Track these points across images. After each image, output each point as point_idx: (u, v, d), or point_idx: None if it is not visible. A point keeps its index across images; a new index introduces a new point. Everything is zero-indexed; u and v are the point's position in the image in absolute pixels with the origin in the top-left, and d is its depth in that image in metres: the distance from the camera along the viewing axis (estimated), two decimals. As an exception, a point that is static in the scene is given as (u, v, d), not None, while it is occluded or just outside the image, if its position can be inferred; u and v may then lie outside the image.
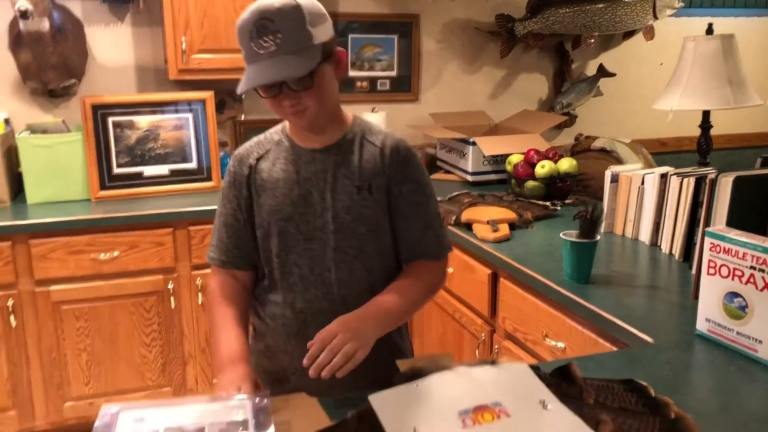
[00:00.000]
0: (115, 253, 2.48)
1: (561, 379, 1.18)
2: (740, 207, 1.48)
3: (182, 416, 1.04)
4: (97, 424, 1.02)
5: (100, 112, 2.66)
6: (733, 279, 1.31)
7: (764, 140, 4.02)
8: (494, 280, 2.05)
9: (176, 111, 2.76)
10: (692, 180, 1.83)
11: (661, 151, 3.75)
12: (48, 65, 2.67)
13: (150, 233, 2.52)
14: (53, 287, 2.47)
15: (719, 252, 1.33)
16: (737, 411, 1.14)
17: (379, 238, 1.40)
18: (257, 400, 1.09)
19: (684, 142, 3.80)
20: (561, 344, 1.70)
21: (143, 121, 2.72)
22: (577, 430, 1.04)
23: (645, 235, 2.05)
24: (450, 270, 2.27)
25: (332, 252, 1.37)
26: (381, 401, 1.09)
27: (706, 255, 1.36)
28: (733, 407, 1.15)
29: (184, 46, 2.69)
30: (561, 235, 1.73)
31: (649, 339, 1.39)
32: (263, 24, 1.24)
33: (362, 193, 1.37)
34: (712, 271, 1.35)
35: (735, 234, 1.32)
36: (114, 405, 1.08)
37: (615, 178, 2.14)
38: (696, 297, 1.58)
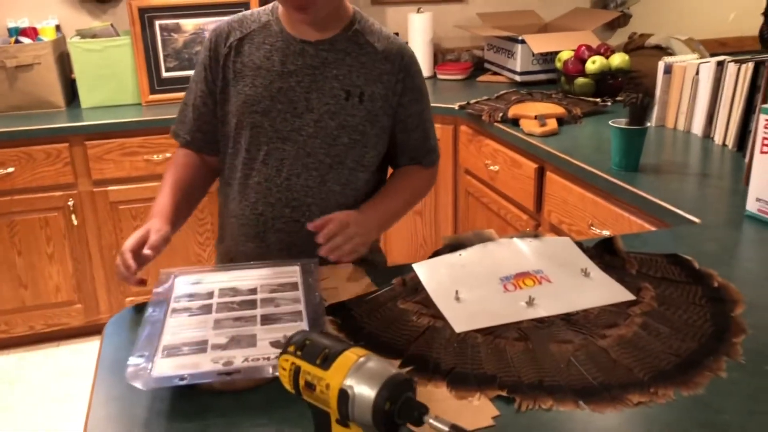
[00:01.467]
0: (168, 154, 2.54)
1: (604, 251, 1.19)
2: (799, 85, 1.42)
3: (236, 279, 1.09)
4: (156, 287, 1.07)
5: (147, 15, 2.67)
6: (787, 155, 1.28)
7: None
8: (540, 174, 2.04)
9: (221, 14, 2.75)
10: (751, 65, 1.76)
11: (720, 52, 3.58)
12: (94, -31, 2.68)
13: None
14: (111, 187, 2.56)
15: (774, 128, 1.29)
16: (783, 282, 1.13)
17: (360, 151, 1.30)
18: (306, 265, 1.13)
19: (746, 42, 3.61)
20: (606, 232, 1.70)
21: (189, 24, 2.72)
22: (618, 294, 1.06)
23: (698, 127, 2.00)
24: (495, 167, 2.27)
25: (306, 157, 1.27)
26: (425, 268, 1.13)
27: (761, 133, 1.33)
28: (780, 278, 1.14)
29: (226, -55, 2.66)
30: (610, 122, 1.70)
31: (696, 219, 1.38)
32: None
33: (351, 99, 1.26)
34: (766, 149, 1.32)
35: (792, 108, 1.27)
36: (171, 270, 1.13)
37: (668, 69, 2.07)
38: (748, 182, 1.55)
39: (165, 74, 2.73)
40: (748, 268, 1.18)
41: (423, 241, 2.72)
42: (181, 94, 2.87)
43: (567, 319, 1.00)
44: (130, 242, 1.12)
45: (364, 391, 0.50)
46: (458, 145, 2.54)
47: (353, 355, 0.53)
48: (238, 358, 0.86)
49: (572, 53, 2.55)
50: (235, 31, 1.30)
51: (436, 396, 0.84)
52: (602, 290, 1.07)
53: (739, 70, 1.80)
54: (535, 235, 1.20)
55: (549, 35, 2.80)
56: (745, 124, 1.78)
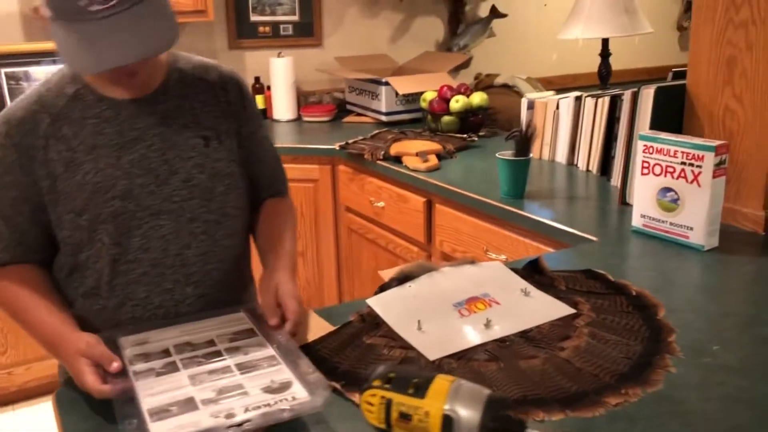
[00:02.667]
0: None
1: (533, 272, 1.29)
2: (661, 115, 1.64)
3: (185, 333, 1.04)
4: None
5: (-9, 64, 2.46)
6: (665, 176, 1.46)
7: (650, 74, 4.35)
8: (429, 207, 2.14)
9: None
10: (607, 99, 1.99)
11: (549, 87, 3.98)
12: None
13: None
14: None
15: (652, 153, 1.48)
16: (680, 284, 1.29)
17: (236, 193, 1.20)
18: (251, 311, 1.11)
19: (567, 79, 4.06)
20: (503, 256, 1.82)
21: (41, 72, 2.55)
22: (560, 309, 1.15)
23: (561, 156, 2.21)
24: (381, 204, 2.34)
25: (189, 223, 1.13)
26: (380, 303, 1.15)
27: (639, 157, 1.51)
28: (677, 281, 1.30)
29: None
30: (497, 155, 1.83)
31: (593, 238, 1.53)
32: None
33: (211, 143, 1.15)
34: (645, 171, 1.50)
35: (665, 135, 1.47)
36: (110, 332, 1.05)
37: (531, 105, 2.27)
38: (622, 202, 1.75)
39: (14, 126, 2.52)
40: (651, 276, 1.33)
41: (306, 282, 2.72)
42: None
43: (524, 336, 1.07)
44: (91, 380, 0.91)
45: (469, 414, 0.52)
46: (337, 183, 2.59)
47: (444, 381, 0.55)
48: (238, 408, 0.83)
49: (435, 93, 2.72)
50: (40, 115, 1.07)
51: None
52: (545, 307, 1.16)
53: (596, 103, 2.03)
54: (472, 261, 1.27)
55: (410, 77, 2.96)
56: (607, 150, 2.00)
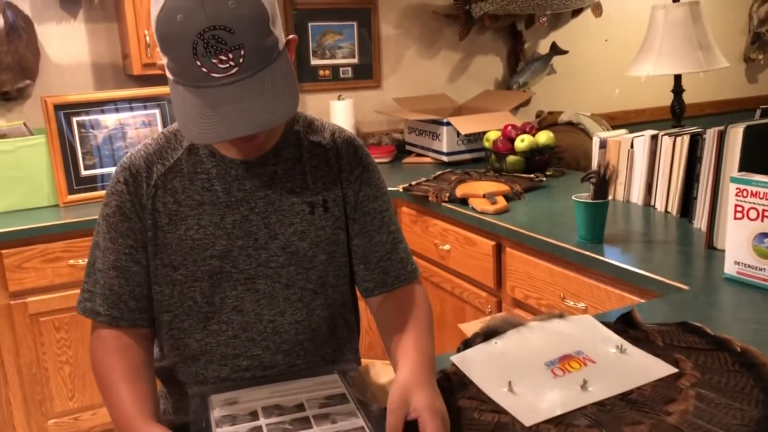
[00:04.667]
0: (95, 258, 2.36)
1: (626, 326, 1.21)
2: (750, 155, 1.55)
3: (275, 394, 1.00)
4: (192, 415, 0.96)
5: (63, 113, 2.52)
6: (762, 220, 1.37)
7: (717, 108, 4.21)
8: (498, 251, 2.07)
9: (144, 107, 2.65)
10: (686, 138, 1.90)
11: (612, 124, 3.90)
12: (2, 66, 2.52)
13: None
14: (30, 298, 2.33)
15: (746, 196, 1.39)
16: (791, 340, 1.19)
17: (340, 263, 1.14)
18: (344, 373, 1.06)
19: (630, 114, 3.97)
20: (582, 304, 1.74)
21: (109, 119, 2.60)
22: (661, 368, 1.07)
23: (637, 197, 2.12)
24: (446, 247, 2.28)
25: (284, 290, 1.09)
26: (466, 361, 1.09)
27: (731, 201, 1.42)
28: (787, 337, 1.21)
29: (147, 39, 2.59)
30: (573, 197, 1.76)
31: (684, 286, 1.44)
32: (217, 37, 0.86)
33: (316, 211, 1.10)
34: (739, 215, 1.41)
35: (760, 177, 1.38)
36: (202, 389, 1.02)
37: (603, 144, 2.20)
38: (709, 246, 1.65)
39: (84, 173, 2.57)
40: (754, 330, 1.24)
41: (369, 327, 2.66)
42: (102, 193, 2.68)
43: (625, 399, 0.99)
44: None
45: None
46: (401, 226, 2.54)
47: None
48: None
49: (499, 133, 2.67)
50: (156, 165, 1.06)
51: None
52: (644, 366, 1.08)
53: (674, 142, 1.95)
54: (560, 315, 1.20)
55: (471, 117, 2.92)
56: (687, 191, 1.91)
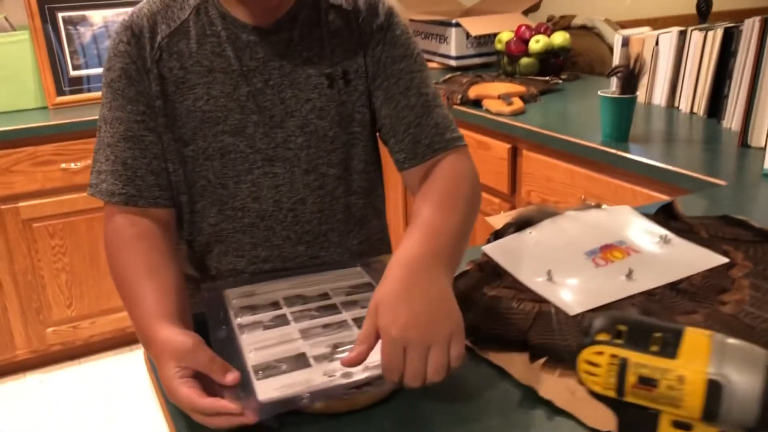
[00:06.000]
0: (88, 162, 2.25)
1: (667, 217, 1.13)
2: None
3: (296, 286, 0.92)
4: (206, 308, 0.88)
5: (47, 7, 2.35)
6: (811, 110, 1.27)
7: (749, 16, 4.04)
8: (513, 154, 1.98)
9: (134, 4, 2.48)
10: (719, 31, 1.78)
11: (623, 34, 3.74)
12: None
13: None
14: (21, 203, 2.23)
15: (795, 84, 1.29)
16: (843, 234, 1.11)
17: (366, 144, 1.02)
18: (369, 264, 0.98)
19: (641, 23, 3.78)
20: (605, 205, 1.65)
21: (97, 15, 2.43)
22: (710, 259, 0.99)
23: (660, 98, 2.01)
24: (457, 151, 2.18)
25: (305, 175, 0.98)
26: (498, 250, 1.01)
27: (777, 90, 1.32)
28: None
29: (136, -74, 2.40)
30: (599, 92, 1.66)
31: (720, 181, 1.36)
32: None
33: (336, 84, 0.97)
34: (785, 105, 1.31)
35: (812, 63, 1.27)
36: (215, 284, 0.93)
37: (626, 42, 2.07)
38: (742, 144, 1.56)
39: (72, 73, 2.42)
40: (801, 224, 1.16)
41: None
42: (94, 95, 2.53)
43: (675, 289, 0.92)
44: (185, 394, 0.68)
45: (745, 381, 0.38)
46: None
47: (701, 336, 0.40)
48: (358, 367, 0.70)
49: (512, 34, 2.52)
50: (161, 25, 0.93)
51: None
52: (692, 256, 1.00)
53: (705, 37, 1.82)
54: (598, 205, 1.12)
55: (483, 18, 2.76)
56: (717, 90, 1.80)
